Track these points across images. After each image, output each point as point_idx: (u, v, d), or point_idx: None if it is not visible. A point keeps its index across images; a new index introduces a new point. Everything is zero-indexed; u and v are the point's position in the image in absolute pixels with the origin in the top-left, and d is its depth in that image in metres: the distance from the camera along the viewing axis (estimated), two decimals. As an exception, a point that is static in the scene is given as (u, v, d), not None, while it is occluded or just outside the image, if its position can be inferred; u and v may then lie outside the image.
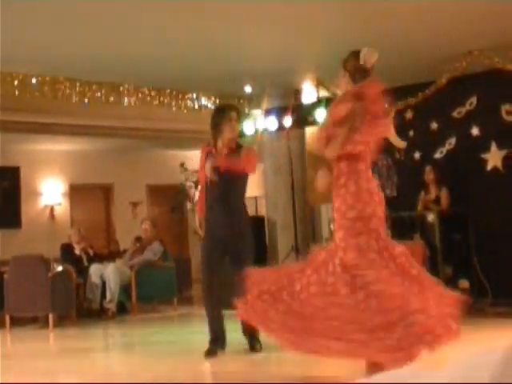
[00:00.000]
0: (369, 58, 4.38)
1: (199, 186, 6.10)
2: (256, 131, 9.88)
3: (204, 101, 9.79)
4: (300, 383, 4.66)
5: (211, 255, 5.75)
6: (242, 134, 9.91)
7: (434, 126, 8.76)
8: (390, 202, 8.04)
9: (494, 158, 8.41)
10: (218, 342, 5.68)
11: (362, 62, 4.37)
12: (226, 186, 5.67)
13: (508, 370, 1.41)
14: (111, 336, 8.46)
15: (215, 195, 5.70)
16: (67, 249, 10.02)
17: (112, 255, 10.68)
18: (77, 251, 9.95)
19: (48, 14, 6.42)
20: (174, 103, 9.58)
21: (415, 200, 8.55)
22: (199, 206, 5.98)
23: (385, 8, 6.70)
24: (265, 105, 9.88)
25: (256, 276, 4.41)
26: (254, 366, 5.35)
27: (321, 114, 9.21)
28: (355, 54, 4.42)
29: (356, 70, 4.39)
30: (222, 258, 5.78)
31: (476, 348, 1.95)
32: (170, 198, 13.20)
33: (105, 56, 7.90)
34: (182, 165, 11.52)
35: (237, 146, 5.87)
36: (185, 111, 9.62)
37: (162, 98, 9.48)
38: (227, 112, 5.84)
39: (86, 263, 9.81)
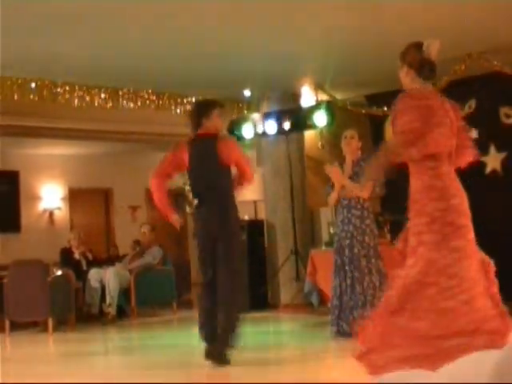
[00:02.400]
0: (433, 48, 3.91)
1: None
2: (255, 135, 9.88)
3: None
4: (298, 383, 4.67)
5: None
6: (240, 138, 9.93)
7: (433, 128, 8.76)
8: (388, 205, 8.07)
9: (492, 160, 8.41)
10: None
11: (425, 56, 3.91)
12: None
13: (506, 370, 1.41)
14: (110, 340, 8.45)
15: None
16: (66, 253, 10.02)
17: (111, 259, 10.68)
18: (76, 255, 9.95)
19: (47, 18, 6.43)
20: (173, 107, 9.59)
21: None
22: None
23: (383, 11, 6.71)
24: (264, 108, 9.88)
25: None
26: (254, 368, 5.35)
27: (319, 118, 9.23)
28: (418, 46, 3.94)
29: (422, 63, 3.94)
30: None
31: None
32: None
33: (104, 60, 7.91)
34: (181, 169, 11.50)
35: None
36: (184, 115, 9.61)
37: (161, 102, 9.49)
38: (210, 108, 5.56)
39: (85, 267, 9.81)
